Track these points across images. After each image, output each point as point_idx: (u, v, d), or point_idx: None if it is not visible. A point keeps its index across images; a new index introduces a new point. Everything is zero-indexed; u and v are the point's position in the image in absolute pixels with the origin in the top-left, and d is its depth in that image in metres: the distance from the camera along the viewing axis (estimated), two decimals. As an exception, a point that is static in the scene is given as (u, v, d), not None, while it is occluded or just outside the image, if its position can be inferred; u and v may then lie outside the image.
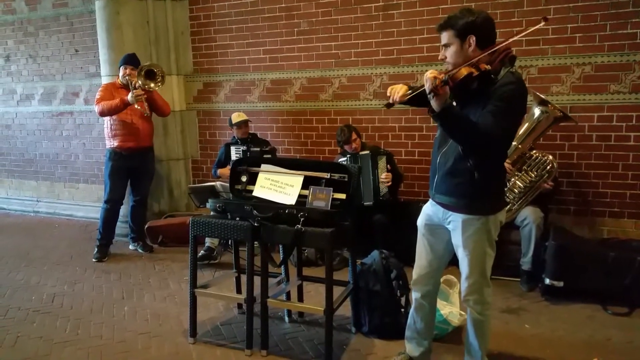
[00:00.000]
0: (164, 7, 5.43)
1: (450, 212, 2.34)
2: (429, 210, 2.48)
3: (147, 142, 4.77)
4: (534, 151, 3.79)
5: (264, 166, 3.08)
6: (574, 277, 3.50)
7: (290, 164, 3.06)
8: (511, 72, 2.20)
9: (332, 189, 2.87)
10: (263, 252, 2.87)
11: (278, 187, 2.97)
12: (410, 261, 2.92)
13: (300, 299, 3.44)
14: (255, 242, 2.86)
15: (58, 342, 3.13)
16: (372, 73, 4.78)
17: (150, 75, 4.54)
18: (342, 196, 2.88)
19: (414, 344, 2.66)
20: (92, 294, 3.91)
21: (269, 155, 4.57)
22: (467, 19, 2.18)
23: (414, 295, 2.61)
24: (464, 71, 2.10)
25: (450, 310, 3.01)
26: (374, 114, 4.83)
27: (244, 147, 4.67)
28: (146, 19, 5.28)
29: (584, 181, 4.19)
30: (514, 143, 3.71)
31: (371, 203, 4.14)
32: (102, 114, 4.52)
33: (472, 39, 2.17)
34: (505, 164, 3.69)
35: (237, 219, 2.89)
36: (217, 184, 4.69)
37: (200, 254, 4.33)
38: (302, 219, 2.72)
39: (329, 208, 2.82)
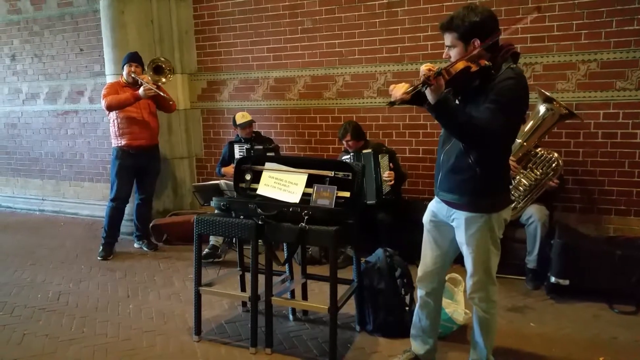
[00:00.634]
0: (168, 6, 5.44)
1: (454, 210, 2.34)
2: (434, 207, 2.48)
3: (154, 140, 4.79)
4: (539, 149, 3.77)
5: (268, 164, 3.08)
6: (579, 276, 3.48)
7: (294, 162, 3.05)
8: (511, 67, 2.18)
9: (336, 187, 2.87)
10: (267, 251, 2.87)
11: (282, 185, 2.97)
12: (414, 259, 2.92)
13: (305, 297, 3.44)
14: (260, 241, 2.86)
15: (64, 340, 3.14)
16: (376, 71, 4.77)
17: (158, 70, 4.57)
18: (346, 194, 2.87)
19: (419, 342, 2.66)
20: (97, 292, 3.93)
21: (272, 154, 4.58)
22: (470, 20, 2.14)
23: (419, 292, 2.60)
24: (460, 65, 2.09)
25: (455, 308, 3.00)
26: (377, 112, 4.82)
27: (248, 146, 4.67)
28: (150, 18, 5.29)
29: (590, 179, 4.16)
30: (518, 140, 3.70)
31: (374, 202, 4.12)
32: (110, 107, 4.51)
33: (477, 42, 2.14)
34: (510, 162, 3.68)
35: (241, 217, 2.89)
36: (222, 182, 4.69)
37: (204, 252, 4.34)
38: (306, 217, 2.72)
39: (333, 206, 2.81)
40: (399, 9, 4.58)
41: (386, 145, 4.52)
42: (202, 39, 5.57)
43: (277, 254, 2.96)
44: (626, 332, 3.08)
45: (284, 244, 3.29)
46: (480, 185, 2.23)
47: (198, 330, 3.09)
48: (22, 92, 6.71)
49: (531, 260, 3.75)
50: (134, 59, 4.63)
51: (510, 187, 3.72)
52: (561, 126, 3.99)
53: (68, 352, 3.00)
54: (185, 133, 5.75)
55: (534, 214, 3.70)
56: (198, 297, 3.06)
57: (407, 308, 3.08)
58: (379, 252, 3.17)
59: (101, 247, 4.74)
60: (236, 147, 4.79)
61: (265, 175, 3.04)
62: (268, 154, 4.39)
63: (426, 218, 2.53)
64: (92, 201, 6.37)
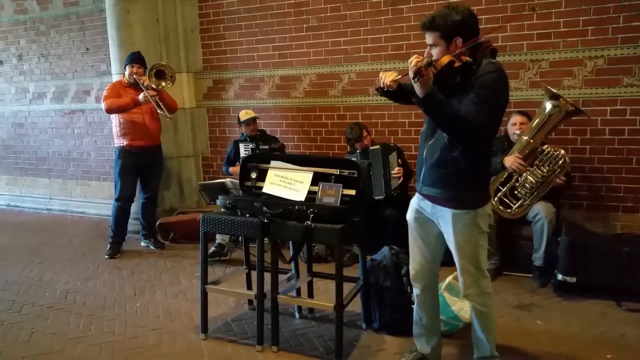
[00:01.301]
0: (174, 5, 5.45)
1: (439, 207, 2.35)
2: (418, 205, 2.49)
3: (156, 141, 4.81)
4: (546, 146, 3.74)
5: (273, 163, 3.08)
6: (586, 273, 3.46)
7: (299, 160, 3.05)
8: (492, 62, 2.21)
9: (341, 185, 2.87)
10: (273, 249, 2.87)
11: (287, 183, 2.97)
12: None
13: (311, 295, 3.44)
14: (266, 239, 2.87)
15: (71, 338, 3.17)
16: (381, 68, 4.75)
17: (160, 75, 4.58)
18: (352, 192, 2.87)
19: (424, 340, 2.66)
20: (105, 290, 3.95)
21: (277, 153, 4.57)
22: (452, 19, 2.18)
23: (415, 291, 2.61)
24: (445, 59, 2.12)
25: (461, 306, 2.99)
26: (383, 110, 4.81)
27: (253, 145, 4.67)
28: (156, 17, 5.30)
29: (597, 176, 4.14)
30: (524, 137, 3.68)
31: (382, 197, 4.14)
32: (110, 110, 4.56)
33: (459, 41, 2.18)
34: (517, 159, 3.68)
35: (247, 215, 2.90)
36: (227, 180, 4.70)
37: (210, 251, 4.35)
38: (311, 215, 2.72)
39: (338, 204, 2.81)
40: (404, 6, 4.57)
41: (392, 143, 4.51)
42: (207, 37, 5.58)
43: (283, 252, 2.97)
44: (634, 329, 3.06)
45: (290, 242, 3.30)
46: (464, 179, 2.27)
47: (205, 328, 3.10)
48: (29, 92, 6.75)
49: (538, 258, 3.73)
50: (135, 59, 4.64)
51: (517, 184, 3.74)
52: (568, 123, 3.96)
53: (75, 350, 3.02)
54: (191, 132, 5.76)
55: (540, 212, 3.69)
56: (204, 295, 3.07)
57: (412, 306, 3.07)
58: (385, 250, 3.17)
59: (108, 246, 4.77)
60: (241, 147, 4.80)
61: (270, 174, 3.05)
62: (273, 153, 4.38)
63: (410, 216, 2.54)
64: (99, 200, 6.40)
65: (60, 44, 6.33)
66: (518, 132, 3.80)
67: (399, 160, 4.29)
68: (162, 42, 5.38)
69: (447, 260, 2.55)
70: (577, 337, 3.00)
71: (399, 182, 4.24)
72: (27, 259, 4.76)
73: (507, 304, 3.46)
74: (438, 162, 2.29)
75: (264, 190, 3.02)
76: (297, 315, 3.35)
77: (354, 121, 4.60)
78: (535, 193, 3.72)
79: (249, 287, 3.45)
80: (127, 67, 4.64)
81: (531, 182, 3.71)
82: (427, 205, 2.41)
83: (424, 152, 2.37)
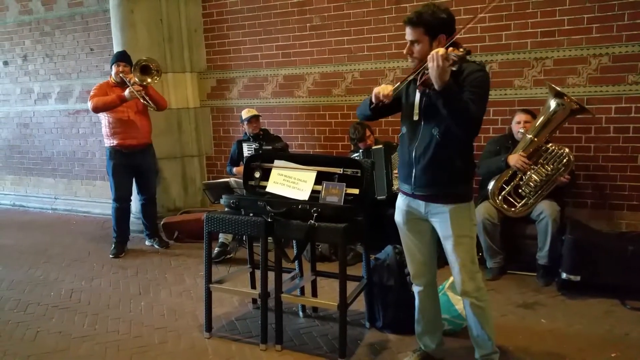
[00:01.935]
0: (177, 5, 5.46)
1: (434, 205, 2.36)
2: (406, 207, 2.48)
3: (145, 139, 4.74)
4: (550, 144, 3.73)
5: (277, 162, 3.08)
6: (591, 272, 3.45)
7: (303, 160, 3.05)
8: (475, 62, 2.27)
9: (345, 184, 2.87)
10: (277, 248, 2.88)
11: (291, 182, 2.98)
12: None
13: (314, 294, 3.45)
14: (269, 238, 2.88)
15: (76, 337, 3.18)
16: (385, 67, 4.76)
17: (145, 70, 4.55)
18: (355, 191, 2.87)
19: (428, 338, 2.67)
20: (110, 289, 3.97)
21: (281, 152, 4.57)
22: (439, 16, 2.20)
23: (416, 289, 2.62)
24: (462, 51, 2.10)
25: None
26: (387, 109, 4.80)
27: (256, 145, 4.66)
28: (160, 17, 5.32)
29: (602, 174, 4.12)
30: (529, 136, 3.67)
31: (384, 197, 4.13)
32: (96, 109, 4.52)
33: (443, 38, 2.20)
34: (521, 158, 3.66)
35: (251, 214, 2.90)
36: (231, 180, 4.71)
37: (215, 252, 4.36)
38: (315, 214, 2.73)
39: (341, 203, 2.81)
40: (407, 5, 4.56)
41: (395, 142, 4.50)
42: (211, 37, 5.59)
43: (287, 251, 2.97)
44: (638, 328, 3.05)
45: (294, 241, 3.30)
46: (458, 175, 2.33)
47: (209, 327, 3.11)
48: (34, 92, 6.78)
49: (542, 257, 3.72)
50: (121, 58, 4.62)
51: (521, 183, 3.73)
52: (572, 121, 3.95)
53: (80, 349, 3.03)
54: (195, 131, 5.77)
55: (545, 210, 3.67)
56: (209, 294, 3.08)
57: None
58: (389, 249, 3.16)
59: (113, 245, 4.79)
60: (245, 146, 4.80)
61: (274, 173, 3.05)
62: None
63: (400, 219, 2.53)
64: (103, 200, 6.41)
65: (64, 44, 6.36)
66: (522, 130, 3.79)
67: None
68: (166, 42, 5.40)
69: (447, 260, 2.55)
70: (582, 335, 2.99)
71: None
72: (33, 259, 4.79)
73: (511, 302, 3.45)
74: (432, 162, 2.30)
75: (268, 189, 3.03)
76: (301, 314, 3.36)
77: (357, 121, 4.60)
78: (539, 192, 3.71)
79: (253, 286, 3.46)
80: (113, 66, 4.61)
81: (535, 180, 3.70)
82: (420, 205, 2.41)
83: (412, 154, 2.36)
